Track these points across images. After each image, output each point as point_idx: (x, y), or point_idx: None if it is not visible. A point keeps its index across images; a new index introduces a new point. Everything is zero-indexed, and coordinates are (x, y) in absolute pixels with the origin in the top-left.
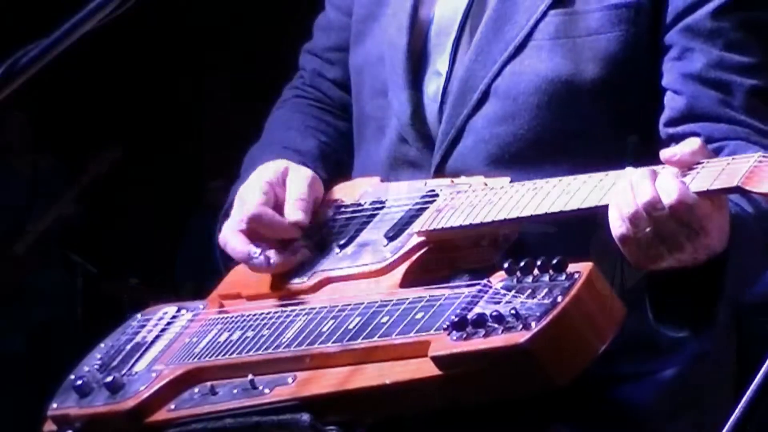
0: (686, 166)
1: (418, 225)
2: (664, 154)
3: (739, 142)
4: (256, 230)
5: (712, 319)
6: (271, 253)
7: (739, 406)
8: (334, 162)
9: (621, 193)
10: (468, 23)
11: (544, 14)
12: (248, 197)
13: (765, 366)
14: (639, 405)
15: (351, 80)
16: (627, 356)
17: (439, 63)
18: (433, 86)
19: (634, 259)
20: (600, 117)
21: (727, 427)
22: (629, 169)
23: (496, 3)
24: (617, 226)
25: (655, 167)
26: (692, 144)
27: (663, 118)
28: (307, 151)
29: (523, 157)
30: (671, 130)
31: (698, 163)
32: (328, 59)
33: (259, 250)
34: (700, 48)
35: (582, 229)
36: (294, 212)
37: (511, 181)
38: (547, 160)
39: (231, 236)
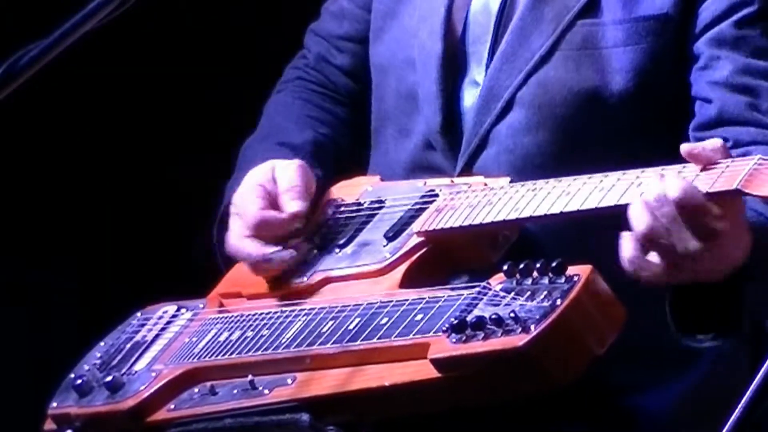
0: (704, 164)
1: (418, 225)
2: (685, 148)
3: (766, 147)
4: (262, 235)
5: (737, 331)
6: (286, 251)
7: (739, 406)
8: (333, 153)
9: (636, 211)
10: (501, 30)
11: (571, 24)
12: (246, 206)
13: (765, 366)
14: (657, 413)
15: (372, 78)
16: (644, 365)
17: (476, 73)
18: (470, 96)
19: (650, 277)
20: (625, 128)
21: (727, 426)
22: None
23: (522, 11)
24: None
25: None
26: (714, 143)
27: (693, 124)
28: (302, 146)
29: (546, 167)
30: (699, 134)
31: (716, 163)
32: (337, 46)
33: (276, 249)
34: (726, 56)
35: (584, 230)
36: (289, 204)
37: (511, 182)
38: (570, 171)
39: (241, 243)
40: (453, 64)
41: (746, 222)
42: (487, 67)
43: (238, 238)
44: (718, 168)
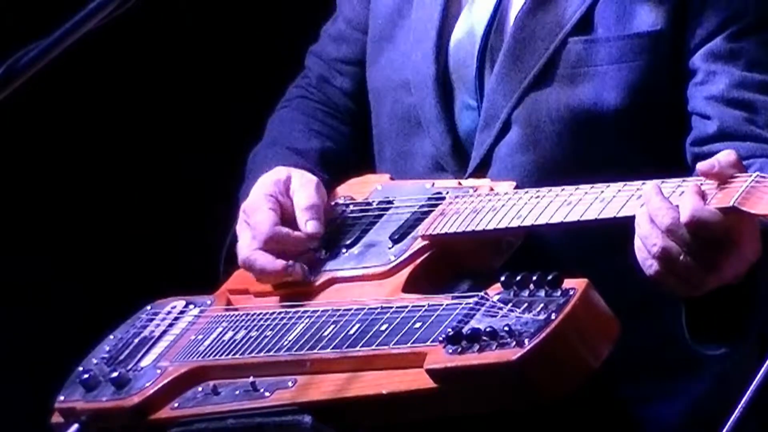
0: (723, 180)
1: (423, 228)
2: (702, 167)
3: (766, 161)
4: (272, 248)
5: (747, 334)
6: (299, 267)
7: (739, 405)
8: (337, 165)
9: (645, 231)
10: (488, 54)
11: (564, 42)
12: (256, 217)
13: (765, 366)
14: (664, 425)
15: (369, 101)
16: (651, 377)
17: (466, 96)
18: (467, 118)
19: (678, 290)
20: (622, 145)
21: (727, 426)
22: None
23: (513, 30)
24: (648, 265)
25: (662, 183)
26: (728, 156)
27: (690, 138)
28: (309, 152)
29: (544, 186)
30: (697, 150)
31: (733, 177)
32: (337, 69)
33: (289, 263)
34: (721, 70)
35: (592, 237)
36: (308, 224)
37: (516, 187)
38: None
39: (255, 255)
40: (447, 87)
41: (759, 227)
42: (478, 89)
43: (250, 250)
44: (716, 184)
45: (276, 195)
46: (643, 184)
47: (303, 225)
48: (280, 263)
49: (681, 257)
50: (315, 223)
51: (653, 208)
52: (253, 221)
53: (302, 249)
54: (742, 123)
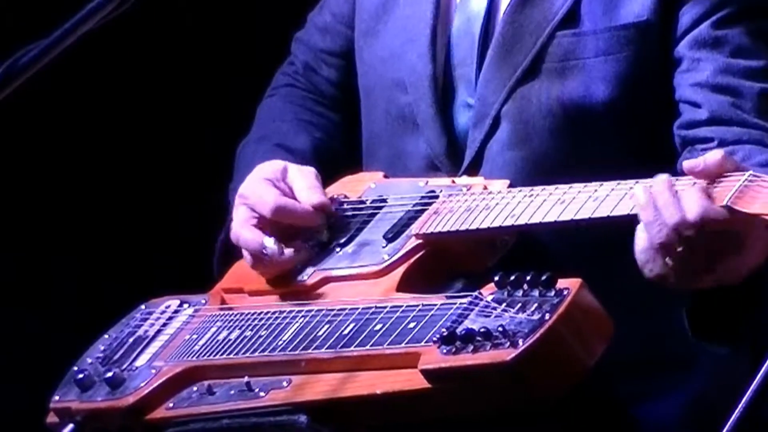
0: (710, 178)
1: (416, 227)
2: (688, 164)
3: (752, 147)
4: (278, 223)
5: (749, 333)
6: (283, 245)
7: (740, 405)
8: (328, 157)
9: (649, 220)
10: (485, 51)
11: (552, 36)
12: (258, 194)
13: (765, 366)
14: (661, 423)
15: (358, 94)
16: (647, 375)
17: (466, 95)
18: (464, 118)
19: (670, 283)
20: (613, 139)
21: (727, 426)
22: (643, 187)
23: (502, 27)
24: (647, 257)
25: (676, 180)
26: (715, 155)
27: (678, 122)
28: (300, 149)
29: (535, 180)
30: (684, 133)
31: (724, 176)
32: (323, 59)
33: (272, 240)
34: (706, 57)
35: (587, 236)
36: (314, 196)
37: (509, 186)
38: (559, 183)
39: (243, 230)
40: (444, 86)
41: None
42: (476, 87)
43: (241, 224)
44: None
45: (274, 180)
46: (637, 182)
47: (307, 200)
48: (259, 240)
49: (680, 251)
50: (321, 196)
51: (664, 203)
52: (256, 198)
53: (310, 222)
54: (727, 107)
